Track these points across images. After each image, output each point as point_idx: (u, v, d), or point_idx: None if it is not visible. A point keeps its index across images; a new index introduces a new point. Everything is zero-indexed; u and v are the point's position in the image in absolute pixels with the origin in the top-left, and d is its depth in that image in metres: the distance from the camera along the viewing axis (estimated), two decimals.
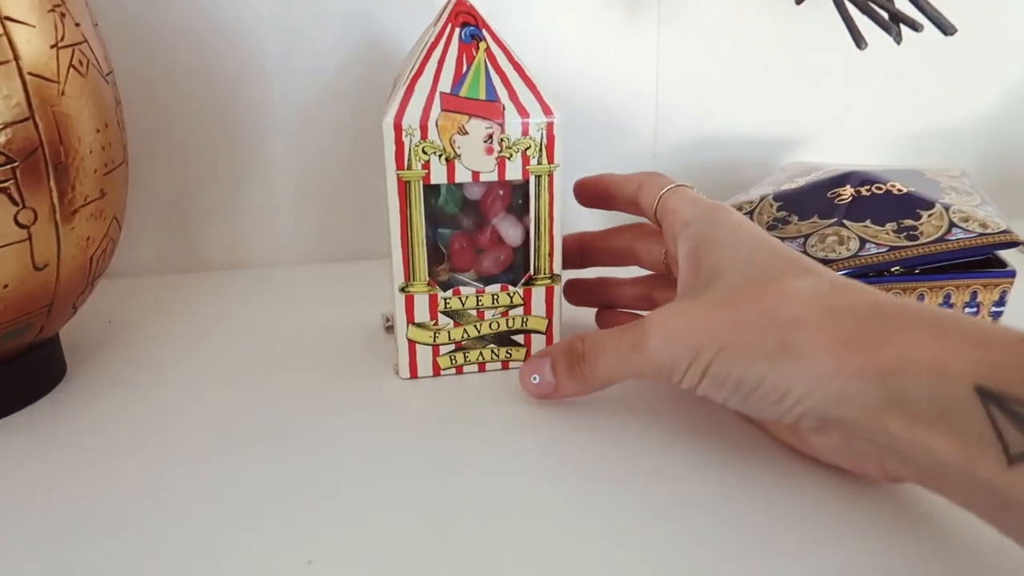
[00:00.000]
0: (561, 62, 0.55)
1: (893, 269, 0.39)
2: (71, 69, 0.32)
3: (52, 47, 0.31)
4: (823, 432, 0.28)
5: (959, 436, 0.24)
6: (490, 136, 0.35)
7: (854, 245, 0.39)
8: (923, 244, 0.39)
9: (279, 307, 0.48)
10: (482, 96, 0.35)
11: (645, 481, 0.31)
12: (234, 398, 0.37)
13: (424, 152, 0.35)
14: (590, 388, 0.34)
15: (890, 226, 0.40)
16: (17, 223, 0.31)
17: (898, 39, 0.36)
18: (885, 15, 0.35)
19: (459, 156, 0.35)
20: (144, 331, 0.45)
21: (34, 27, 0.31)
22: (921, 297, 0.39)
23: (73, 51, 0.33)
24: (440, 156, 0.35)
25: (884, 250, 0.39)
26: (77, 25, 0.33)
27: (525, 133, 0.36)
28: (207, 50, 0.50)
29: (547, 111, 0.36)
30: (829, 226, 0.41)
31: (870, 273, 0.39)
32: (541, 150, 0.36)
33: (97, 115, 0.34)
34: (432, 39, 0.35)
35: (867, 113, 0.60)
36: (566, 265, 0.39)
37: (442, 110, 0.35)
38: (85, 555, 0.27)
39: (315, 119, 0.52)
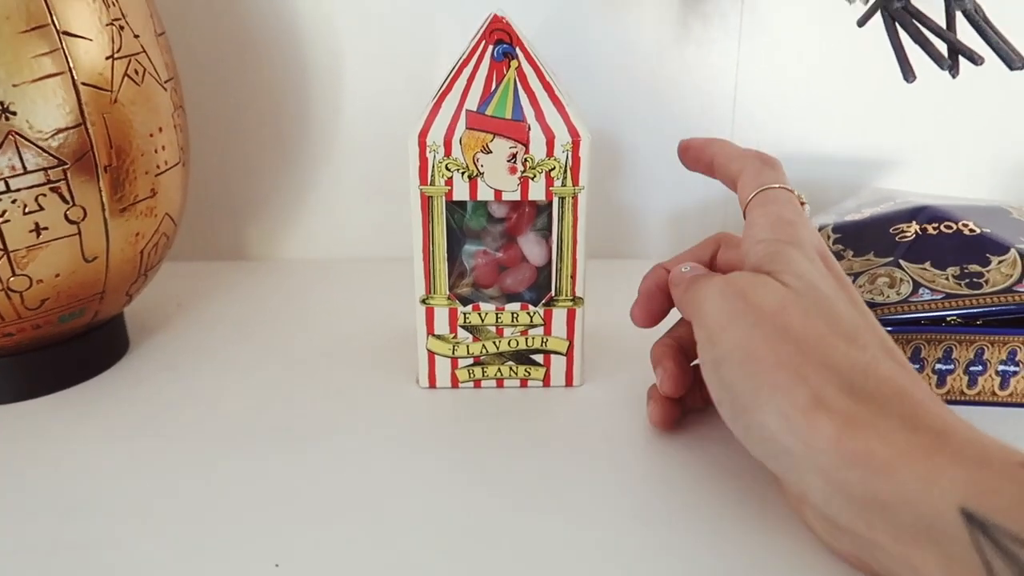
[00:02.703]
0: (637, 72, 0.53)
1: (950, 319, 0.35)
2: (126, 78, 0.35)
3: (108, 58, 0.34)
4: (813, 512, 0.27)
5: (945, 559, 0.22)
6: (514, 156, 0.35)
7: (906, 289, 0.36)
8: (985, 294, 0.35)
9: (332, 302, 0.50)
10: (508, 115, 0.35)
11: (654, 519, 0.30)
12: (265, 389, 0.39)
13: (447, 169, 0.35)
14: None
15: (952, 271, 0.36)
16: (67, 219, 0.34)
17: (953, 73, 0.32)
18: (943, 45, 0.31)
19: (482, 174, 0.35)
20: (205, 315, 0.48)
21: (91, 40, 0.33)
22: (981, 351, 0.36)
23: (129, 61, 0.35)
24: (463, 173, 0.35)
25: (939, 297, 0.35)
26: (136, 36, 0.36)
27: (550, 154, 0.35)
28: (278, 48, 0.52)
29: (573, 132, 0.35)
30: (883, 265, 0.38)
31: (923, 321, 0.36)
32: (566, 171, 0.35)
33: (151, 120, 0.36)
34: (465, 56, 0.35)
35: (965, 139, 0.55)
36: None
37: (467, 128, 0.35)
38: (101, 528, 0.30)
39: (383, 118, 0.53)
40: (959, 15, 0.32)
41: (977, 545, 0.21)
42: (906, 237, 0.39)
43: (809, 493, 0.25)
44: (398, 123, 0.51)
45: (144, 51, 0.36)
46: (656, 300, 0.35)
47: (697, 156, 0.36)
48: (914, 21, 0.31)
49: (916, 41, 0.32)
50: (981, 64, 0.32)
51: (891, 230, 0.39)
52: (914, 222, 0.39)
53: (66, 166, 0.33)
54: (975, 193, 0.55)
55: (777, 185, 0.32)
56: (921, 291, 0.36)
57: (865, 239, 0.40)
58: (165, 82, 0.38)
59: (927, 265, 0.37)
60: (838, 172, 0.56)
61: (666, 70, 0.53)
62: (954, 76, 0.32)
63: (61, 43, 0.32)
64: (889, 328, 0.36)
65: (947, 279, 0.36)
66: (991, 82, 0.54)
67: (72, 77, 0.33)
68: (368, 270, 0.54)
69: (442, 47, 0.52)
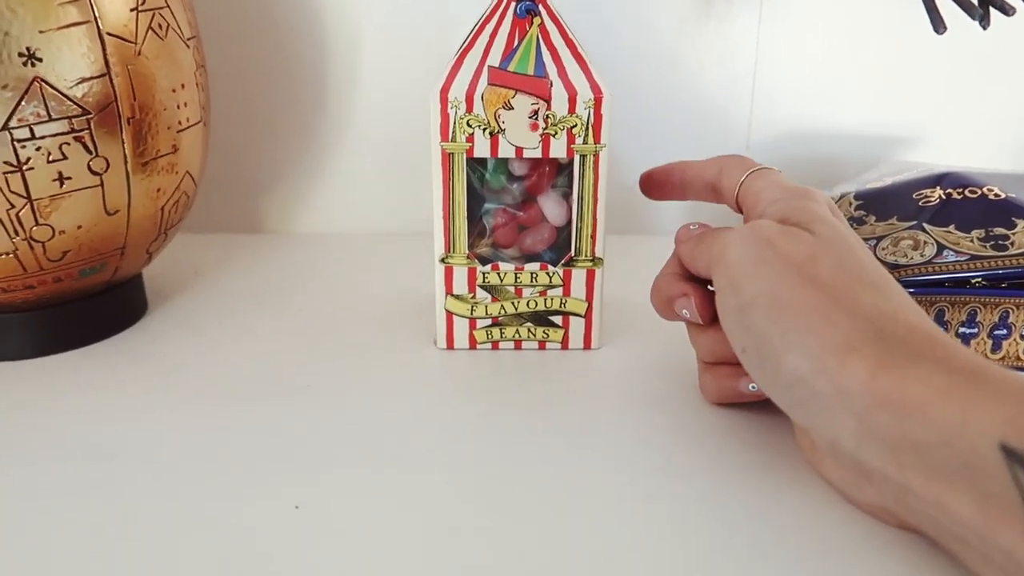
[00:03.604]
0: (657, 48, 0.53)
1: (974, 281, 0.35)
2: (150, 31, 0.35)
3: (132, 10, 0.34)
4: (839, 461, 0.26)
5: (980, 497, 0.21)
6: (535, 112, 0.35)
7: (930, 251, 0.36)
8: (1011, 255, 0.35)
9: (350, 273, 0.50)
10: (530, 72, 0.35)
11: (671, 471, 0.30)
12: (282, 351, 0.39)
13: (468, 125, 0.35)
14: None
15: (976, 233, 0.36)
16: (90, 170, 0.34)
17: (984, 23, 0.32)
18: None
19: (503, 131, 0.35)
20: (222, 283, 0.48)
21: None
22: (1006, 314, 0.35)
23: (153, 15, 0.35)
24: (484, 130, 0.35)
25: (964, 259, 0.35)
26: None
27: (572, 111, 0.35)
28: (296, 20, 0.52)
29: (596, 89, 0.35)
30: (907, 229, 0.37)
31: (947, 283, 0.35)
32: (587, 129, 0.35)
33: (173, 75, 0.37)
34: (488, 12, 0.35)
35: (987, 114, 0.54)
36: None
37: (488, 84, 0.35)
38: (122, 475, 0.30)
39: (403, 91, 0.53)
40: None
41: (1017, 480, 0.20)
42: (930, 202, 0.38)
43: (840, 438, 0.25)
44: (417, 96, 0.51)
45: (167, 6, 0.36)
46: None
47: (663, 180, 0.36)
48: None
49: None
50: (1013, 14, 0.31)
51: (914, 196, 0.39)
52: (938, 187, 0.39)
53: (90, 116, 0.33)
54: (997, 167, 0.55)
55: (762, 166, 0.33)
56: (945, 253, 0.35)
57: (888, 205, 0.40)
58: (188, 39, 0.38)
59: (952, 228, 0.37)
60: (858, 148, 0.55)
61: (686, 46, 0.53)
62: (985, 27, 0.32)
63: None
64: (912, 290, 0.35)
65: (972, 241, 0.36)
66: (1014, 58, 0.53)
67: (97, 27, 0.33)
68: (385, 244, 0.54)
69: (461, 18, 0.52)
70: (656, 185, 0.37)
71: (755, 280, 0.27)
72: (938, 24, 0.32)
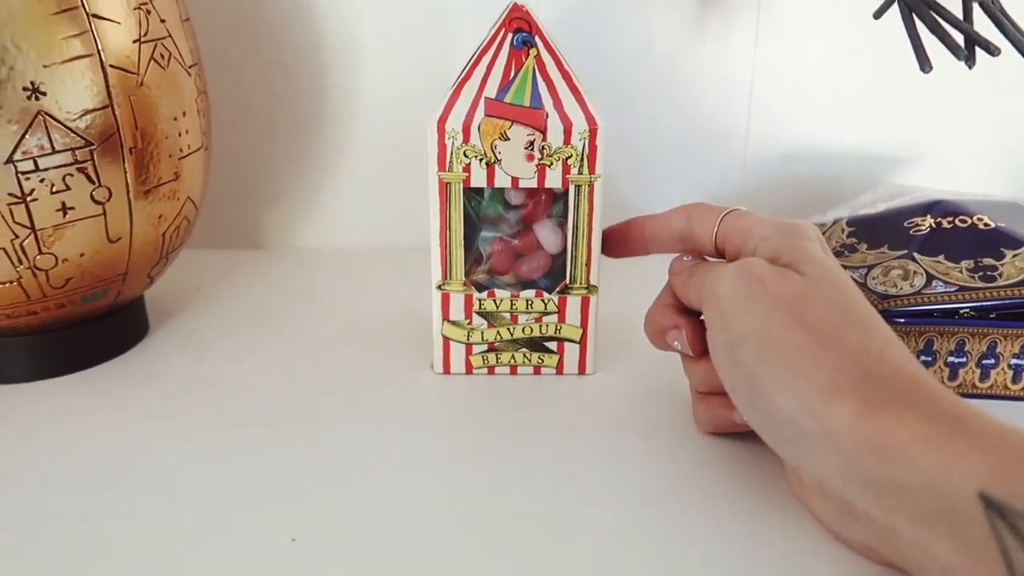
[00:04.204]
0: (653, 63, 0.54)
1: (963, 311, 0.36)
2: (152, 62, 0.36)
3: (135, 42, 0.35)
4: (826, 498, 0.27)
5: (961, 543, 0.22)
6: (531, 143, 0.36)
7: (919, 281, 0.36)
8: (1000, 287, 0.35)
9: (349, 290, 0.50)
10: (526, 103, 0.35)
11: (664, 504, 0.30)
12: (281, 374, 0.40)
13: (465, 155, 0.36)
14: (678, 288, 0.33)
15: (965, 264, 0.36)
16: (93, 199, 0.34)
17: (970, 64, 0.32)
18: (960, 36, 0.32)
19: (499, 161, 0.36)
20: (223, 301, 0.48)
21: (119, 23, 0.34)
22: (994, 344, 0.36)
23: (155, 45, 0.36)
24: (481, 160, 0.36)
25: (953, 290, 0.36)
26: (162, 21, 0.36)
27: (567, 142, 0.36)
28: (297, 36, 0.53)
29: (591, 120, 0.35)
30: (897, 258, 0.38)
31: (935, 313, 0.36)
32: (582, 159, 0.36)
33: (175, 104, 0.37)
34: (484, 44, 0.36)
35: (982, 135, 0.55)
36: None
37: (485, 115, 0.35)
38: (120, 501, 0.30)
39: (403, 106, 0.54)
40: (976, 6, 0.32)
41: (995, 530, 0.21)
42: (921, 230, 0.39)
43: (826, 477, 0.25)
44: (415, 111, 0.52)
45: (170, 35, 0.37)
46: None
47: (623, 237, 0.36)
48: (931, 12, 0.32)
49: (933, 31, 0.32)
50: (998, 55, 0.32)
51: (905, 224, 0.40)
52: (929, 216, 0.39)
53: (93, 147, 0.34)
54: (992, 190, 0.55)
55: (733, 208, 0.33)
56: (935, 283, 0.36)
57: (879, 232, 0.40)
58: (189, 67, 0.39)
59: (941, 258, 0.37)
60: (854, 168, 0.56)
61: (682, 66, 0.54)
62: (970, 67, 0.32)
63: (90, 25, 0.33)
64: (902, 320, 0.36)
65: (961, 272, 0.36)
66: (1007, 78, 0.53)
67: (100, 59, 0.33)
68: (384, 259, 0.55)
69: (460, 35, 0.53)
70: (617, 242, 0.37)
71: (745, 317, 0.28)
72: (924, 63, 0.32)
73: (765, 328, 0.27)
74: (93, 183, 0.34)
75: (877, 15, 0.35)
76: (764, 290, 0.28)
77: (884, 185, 0.49)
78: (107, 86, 0.34)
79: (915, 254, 0.38)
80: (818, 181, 0.56)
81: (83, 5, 0.33)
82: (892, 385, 0.25)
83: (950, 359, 0.36)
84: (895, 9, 0.37)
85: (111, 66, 0.34)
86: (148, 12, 0.35)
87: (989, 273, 0.36)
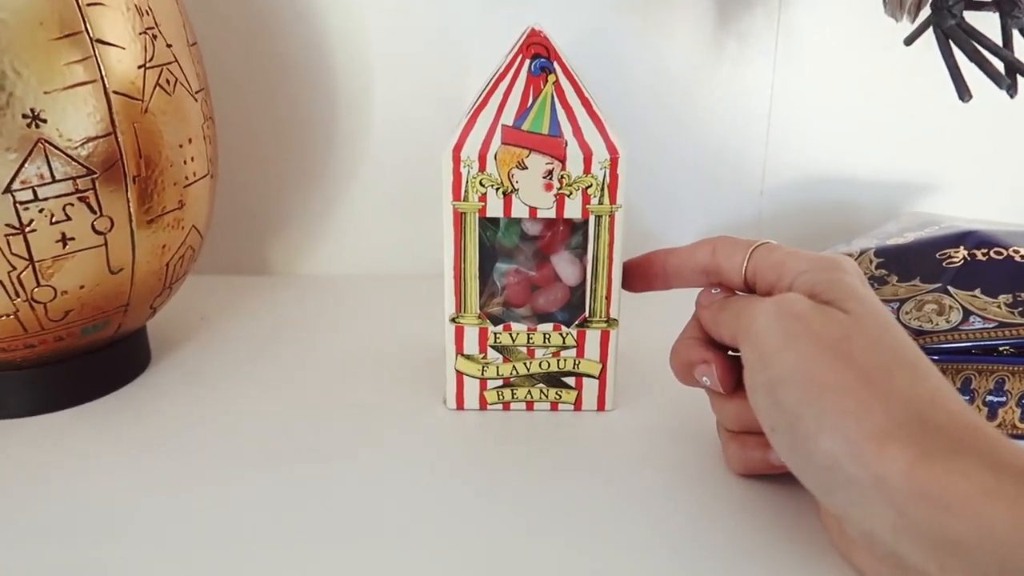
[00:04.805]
0: (670, 93, 0.52)
1: (1003, 349, 0.34)
2: (157, 88, 0.34)
3: (140, 67, 0.34)
4: (873, 552, 0.25)
5: None
6: (550, 172, 0.34)
7: (956, 317, 0.35)
8: None
9: (359, 319, 0.49)
10: (545, 131, 0.34)
11: (687, 551, 0.29)
12: (287, 408, 0.38)
13: (481, 184, 0.34)
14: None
15: (1004, 298, 0.35)
16: (94, 230, 0.33)
17: (1012, 92, 0.31)
18: (1000, 64, 0.30)
19: (517, 191, 0.35)
20: (228, 330, 0.47)
21: (124, 49, 0.33)
22: None
23: (161, 71, 0.35)
24: (497, 190, 0.35)
25: (992, 326, 0.34)
26: (169, 46, 0.35)
27: (587, 171, 0.34)
28: (307, 62, 0.52)
29: (612, 149, 0.34)
30: (931, 291, 0.36)
31: (973, 351, 0.34)
32: (603, 189, 0.34)
33: (181, 131, 0.36)
34: (501, 70, 0.34)
35: (1004, 163, 0.53)
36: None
37: (502, 143, 0.34)
38: (103, 552, 0.29)
39: (414, 131, 0.53)
40: (1016, 32, 0.31)
41: None
42: (954, 262, 0.37)
43: (875, 530, 0.24)
44: (427, 138, 0.51)
45: (176, 61, 0.36)
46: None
47: (645, 271, 0.35)
48: (970, 39, 0.30)
49: (972, 59, 0.30)
50: None
51: (938, 255, 0.38)
52: (962, 247, 0.38)
53: (95, 175, 0.32)
54: (1013, 219, 0.54)
55: (763, 241, 0.31)
56: (972, 319, 0.34)
57: (910, 264, 0.39)
58: (196, 93, 0.37)
59: (977, 292, 0.35)
60: (874, 195, 0.54)
61: (700, 91, 0.53)
62: (1012, 95, 0.31)
63: (94, 51, 0.32)
64: (936, 357, 0.34)
65: (999, 307, 0.35)
66: None
67: (104, 85, 0.32)
68: (395, 287, 0.53)
69: (472, 62, 0.52)
70: (637, 277, 0.35)
71: (786, 356, 0.26)
72: (963, 92, 0.31)
73: (808, 368, 0.25)
74: (94, 213, 0.33)
75: (908, 42, 0.34)
76: (806, 328, 0.26)
77: (908, 214, 0.48)
78: (110, 113, 0.32)
79: (949, 287, 0.36)
80: (837, 209, 0.55)
81: (87, 30, 0.31)
82: (948, 432, 0.23)
83: (989, 398, 0.35)
84: (923, 36, 0.35)
85: (115, 92, 0.32)
86: (154, 37, 0.34)
87: None
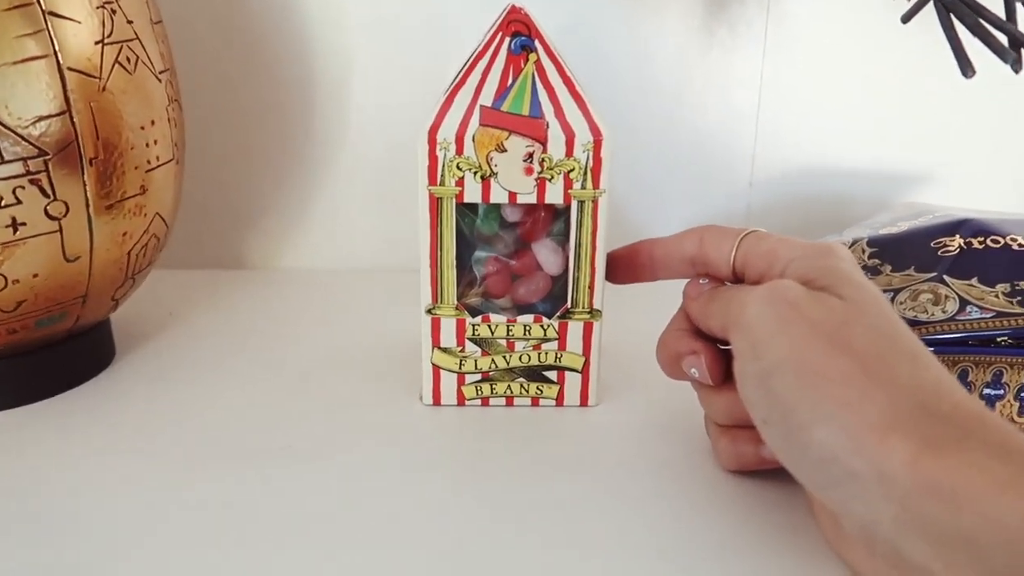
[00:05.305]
0: (657, 81, 0.51)
1: (1000, 340, 0.33)
2: (116, 65, 0.33)
3: (97, 43, 0.32)
4: (872, 550, 0.24)
5: None
6: (530, 155, 0.33)
7: (952, 306, 0.33)
8: None
9: (331, 314, 0.47)
10: (525, 112, 0.33)
11: (671, 550, 0.27)
12: (259, 405, 0.36)
13: (459, 168, 0.33)
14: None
15: (1001, 287, 0.34)
16: (48, 215, 0.31)
17: (1016, 67, 0.30)
18: (1003, 38, 0.29)
19: (496, 175, 0.33)
20: (198, 325, 0.45)
21: (80, 23, 0.31)
22: None
23: (121, 47, 0.33)
24: (475, 173, 0.33)
25: (990, 316, 0.33)
26: (129, 22, 0.34)
27: (569, 154, 0.33)
28: (283, 45, 0.50)
29: (595, 131, 0.33)
30: (926, 281, 0.35)
31: (971, 342, 0.33)
32: (586, 173, 0.33)
33: (142, 112, 0.34)
34: (480, 48, 0.33)
35: (995, 153, 0.52)
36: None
37: (480, 124, 0.32)
38: (64, 553, 0.27)
39: (393, 121, 0.51)
40: (1020, 6, 0.30)
41: None
42: (949, 251, 0.36)
43: (876, 526, 0.22)
44: (407, 127, 0.49)
45: (138, 38, 0.34)
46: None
47: (630, 261, 0.33)
48: (972, 12, 0.29)
49: (975, 33, 0.29)
50: None
51: (932, 244, 0.37)
52: (957, 235, 0.37)
53: (47, 157, 0.31)
54: (1006, 209, 0.53)
55: (752, 229, 0.30)
56: (969, 309, 0.33)
57: (904, 253, 0.37)
58: (160, 73, 0.36)
59: (974, 281, 0.34)
60: (864, 186, 0.53)
61: (688, 79, 0.51)
62: (1017, 71, 0.29)
63: (46, 23, 0.30)
64: (932, 349, 0.33)
65: (997, 296, 0.33)
66: (1021, 95, 0.51)
67: (57, 61, 0.30)
68: (372, 281, 0.52)
69: (454, 49, 0.50)
70: (622, 268, 0.34)
71: (779, 344, 0.25)
72: (966, 67, 0.30)
73: (803, 356, 0.24)
74: (48, 197, 0.31)
75: (906, 19, 0.33)
76: (800, 314, 0.25)
77: (902, 204, 0.46)
78: (65, 90, 0.31)
79: (945, 276, 0.35)
80: (827, 200, 0.54)
81: (38, 1, 0.30)
82: (953, 421, 0.22)
83: (986, 391, 0.33)
84: (919, 15, 0.34)
85: (70, 69, 0.31)
86: (113, 12, 0.33)
87: None
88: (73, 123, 0.31)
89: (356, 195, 0.53)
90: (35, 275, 0.32)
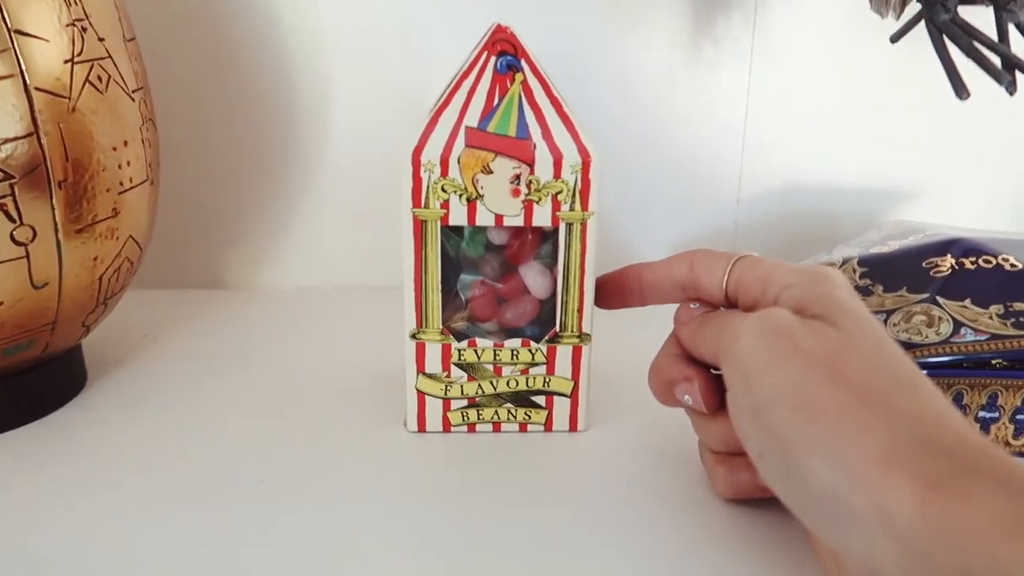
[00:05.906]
0: (643, 97, 0.50)
1: (995, 362, 0.32)
2: (87, 84, 0.31)
3: (67, 62, 0.31)
4: None
5: None
6: (517, 177, 0.32)
7: (946, 329, 0.33)
8: None
9: (312, 333, 0.46)
10: (512, 132, 0.32)
11: None
12: (237, 433, 0.35)
13: (443, 190, 0.32)
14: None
15: (995, 309, 0.33)
16: (13, 240, 0.30)
17: (1011, 89, 0.29)
18: (996, 60, 0.29)
19: (482, 197, 0.32)
20: (174, 348, 0.44)
21: (48, 41, 0.30)
22: None
23: (91, 66, 0.32)
24: (461, 196, 0.32)
25: (984, 338, 0.32)
26: (100, 40, 0.32)
27: (557, 175, 0.32)
28: (261, 61, 0.49)
29: (584, 152, 0.32)
30: (919, 302, 0.34)
31: (965, 364, 0.32)
32: (574, 195, 0.32)
33: (114, 132, 0.33)
34: (465, 68, 0.32)
35: (983, 170, 0.52)
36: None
37: (466, 146, 0.32)
38: None
39: (374, 139, 0.50)
40: (1012, 28, 0.29)
41: None
42: (941, 272, 0.36)
43: (879, 566, 0.21)
44: (388, 143, 0.48)
45: (109, 56, 0.33)
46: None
47: (619, 287, 0.33)
48: (965, 35, 0.29)
49: (969, 55, 0.29)
50: None
51: (924, 264, 0.36)
52: (948, 255, 0.36)
53: (14, 180, 0.29)
54: (992, 227, 0.53)
55: (744, 254, 0.29)
56: (963, 331, 0.33)
57: (896, 273, 0.37)
58: (133, 92, 0.34)
59: (967, 302, 0.34)
60: (851, 203, 0.53)
61: (674, 95, 0.51)
62: (1012, 93, 0.29)
63: (12, 42, 0.29)
64: (927, 371, 0.32)
65: (991, 318, 0.33)
66: (1006, 112, 0.51)
67: (24, 81, 0.29)
68: (354, 300, 0.51)
69: (437, 65, 0.49)
70: (611, 293, 0.33)
71: (772, 377, 0.24)
72: (961, 90, 0.29)
73: (797, 389, 0.23)
74: (13, 222, 0.30)
75: (895, 39, 0.32)
76: (793, 345, 0.24)
77: (891, 221, 0.46)
78: (32, 111, 0.29)
79: (938, 297, 0.34)
80: (816, 218, 0.53)
81: (4, 19, 0.28)
82: (956, 456, 0.21)
83: (981, 414, 0.33)
84: (908, 36, 0.34)
85: (37, 88, 0.29)
86: (84, 30, 0.31)
87: (1022, 319, 0.32)
88: (41, 145, 0.30)
89: (335, 213, 0.52)
90: (0, 303, 0.31)
